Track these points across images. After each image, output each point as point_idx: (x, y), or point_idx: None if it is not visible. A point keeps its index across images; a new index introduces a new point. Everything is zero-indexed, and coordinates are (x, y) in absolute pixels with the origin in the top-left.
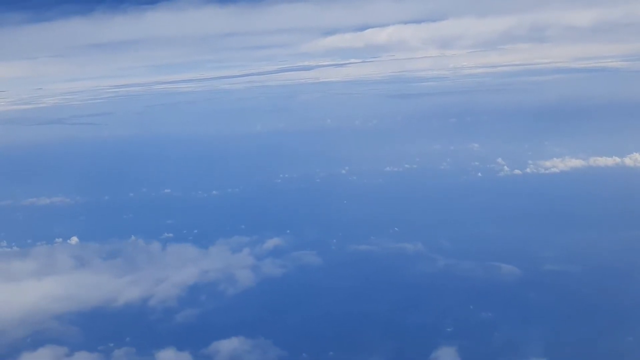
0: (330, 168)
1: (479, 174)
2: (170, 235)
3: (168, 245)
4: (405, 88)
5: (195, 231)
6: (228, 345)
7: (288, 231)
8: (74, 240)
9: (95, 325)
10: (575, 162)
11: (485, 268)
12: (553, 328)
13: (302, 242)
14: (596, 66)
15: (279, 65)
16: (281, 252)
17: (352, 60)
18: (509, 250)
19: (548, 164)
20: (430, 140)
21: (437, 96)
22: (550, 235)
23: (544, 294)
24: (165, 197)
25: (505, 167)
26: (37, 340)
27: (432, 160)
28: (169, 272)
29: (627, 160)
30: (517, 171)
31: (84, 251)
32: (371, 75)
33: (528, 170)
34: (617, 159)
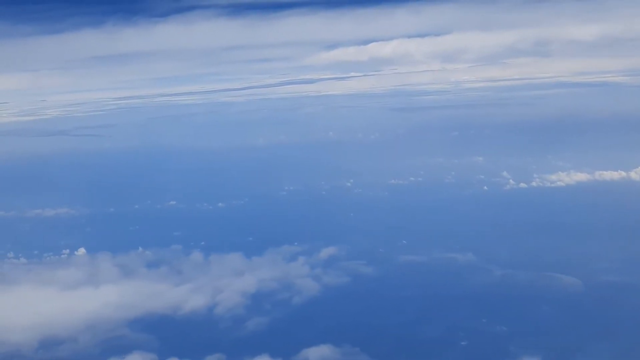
0: (335, 180)
1: (485, 187)
2: (179, 247)
3: (210, 255)
4: (407, 101)
5: (203, 243)
6: (317, 352)
7: (296, 243)
8: (82, 251)
9: (170, 333)
10: (580, 176)
11: (546, 278)
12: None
13: (340, 252)
14: (597, 81)
15: (281, 78)
16: (334, 261)
17: (353, 74)
18: (555, 261)
19: (554, 177)
20: (434, 153)
21: (438, 110)
22: (585, 247)
23: (615, 305)
24: (170, 209)
25: (511, 180)
26: (111, 347)
27: (437, 173)
28: (225, 281)
29: (633, 174)
30: (522, 184)
31: (124, 260)
32: (373, 88)
33: (534, 183)
34: (623, 173)
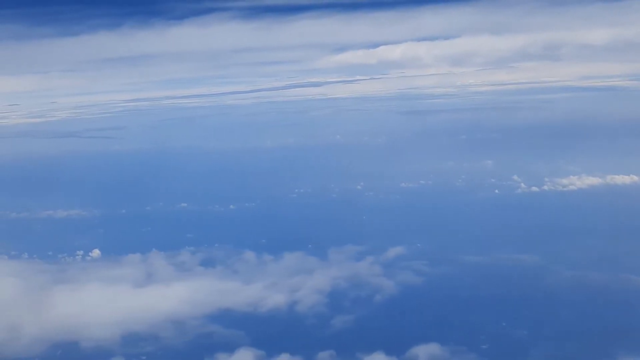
0: (345, 183)
1: (496, 191)
2: (192, 248)
3: (262, 254)
4: (414, 105)
5: (217, 245)
6: (426, 350)
7: (310, 245)
8: (96, 252)
9: (261, 329)
10: (592, 180)
11: (621, 280)
12: None
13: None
14: (604, 85)
15: (288, 81)
16: (398, 261)
17: (358, 77)
18: (614, 263)
19: (565, 181)
20: (442, 157)
21: (446, 113)
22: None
23: None
24: (182, 210)
25: (522, 184)
26: (209, 343)
27: (447, 177)
28: (296, 280)
29: None
30: (534, 188)
31: (177, 259)
32: (380, 92)
33: (545, 187)
34: (635, 177)
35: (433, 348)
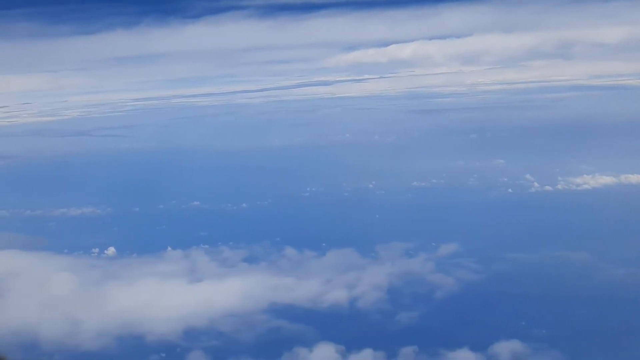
0: (356, 182)
1: (509, 190)
2: (206, 246)
3: (303, 251)
4: (423, 104)
5: (231, 243)
6: (508, 347)
7: (324, 244)
8: (111, 250)
9: (327, 325)
10: (606, 179)
11: None
12: None
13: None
14: (615, 84)
15: (297, 80)
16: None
17: (367, 76)
18: None
19: (579, 180)
20: (453, 156)
21: (456, 112)
22: None
23: None
24: (195, 209)
25: (535, 183)
26: (282, 338)
27: (459, 176)
28: (351, 276)
29: None
30: (547, 187)
31: (220, 256)
32: (389, 90)
33: (559, 186)
34: None
35: (514, 345)
